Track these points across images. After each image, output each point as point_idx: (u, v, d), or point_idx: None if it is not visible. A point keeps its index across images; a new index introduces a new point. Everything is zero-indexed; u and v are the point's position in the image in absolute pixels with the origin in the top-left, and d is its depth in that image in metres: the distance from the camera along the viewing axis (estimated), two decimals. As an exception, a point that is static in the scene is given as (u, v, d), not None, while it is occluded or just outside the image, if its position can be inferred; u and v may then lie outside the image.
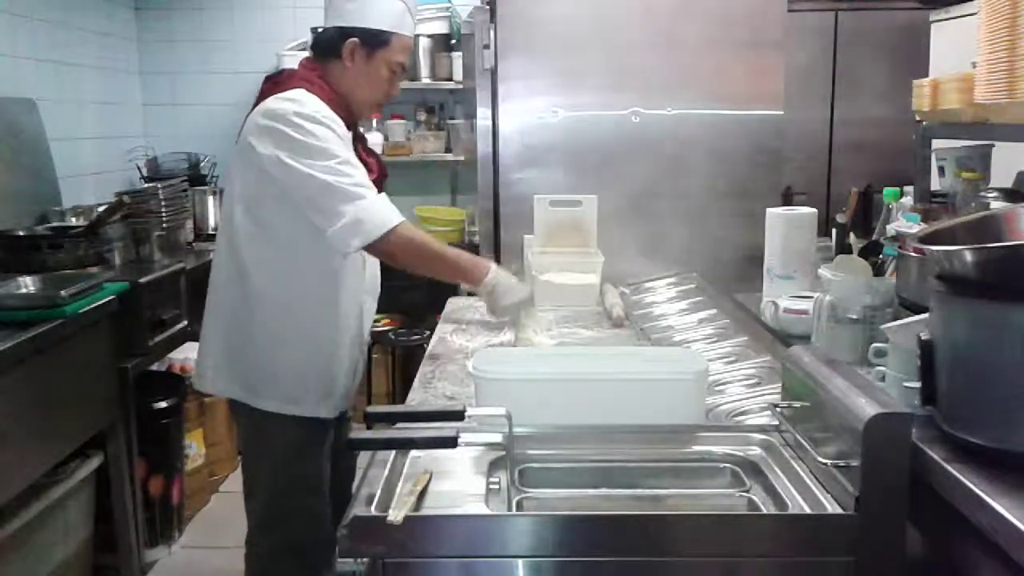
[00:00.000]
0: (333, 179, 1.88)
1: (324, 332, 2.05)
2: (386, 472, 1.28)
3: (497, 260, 2.86)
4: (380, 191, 2.10)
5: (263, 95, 2.00)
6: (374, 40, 2.02)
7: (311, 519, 2.07)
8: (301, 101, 1.93)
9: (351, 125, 2.07)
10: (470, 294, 2.56)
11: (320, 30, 2.10)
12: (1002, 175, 2.31)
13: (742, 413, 1.64)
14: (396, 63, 2.07)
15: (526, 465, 1.39)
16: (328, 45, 2.04)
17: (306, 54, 2.14)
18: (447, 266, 2.10)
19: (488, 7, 2.82)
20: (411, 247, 1.99)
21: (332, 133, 1.93)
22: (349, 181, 1.90)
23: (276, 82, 2.03)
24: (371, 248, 1.95)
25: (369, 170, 2.06)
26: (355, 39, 2.01)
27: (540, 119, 2.82)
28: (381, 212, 1.93)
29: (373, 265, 2.19)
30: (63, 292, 2.36)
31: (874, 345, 1.51)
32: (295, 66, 2.14)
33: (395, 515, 1.14)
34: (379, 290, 2.25)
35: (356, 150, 2.06)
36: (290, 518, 2.06)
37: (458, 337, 2.30)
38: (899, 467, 1.14)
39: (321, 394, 2.05)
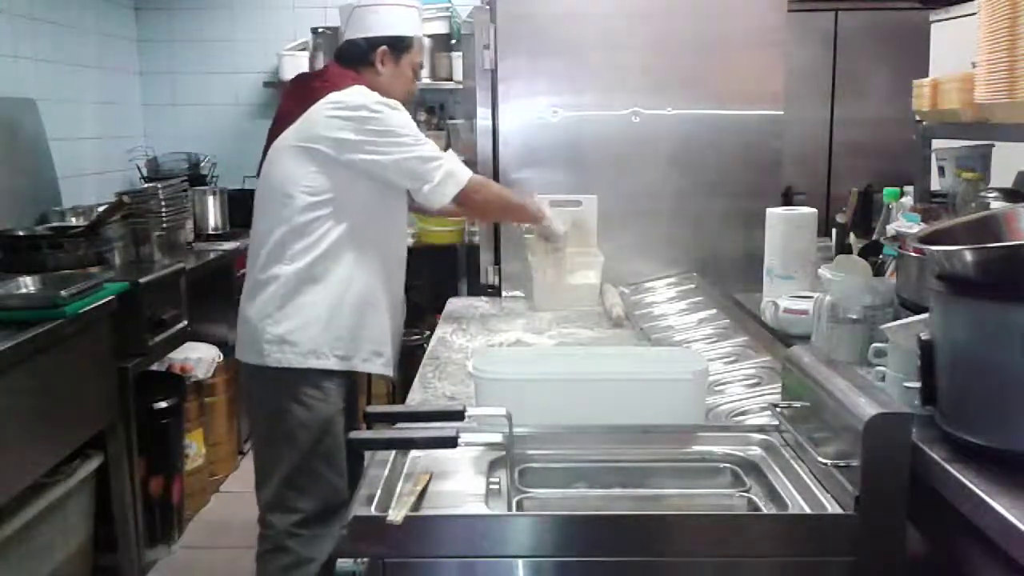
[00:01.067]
0: (421, 150, 2.16)
1: (383, 290, 2.24)
2: (386, 472, 1.28)
3: (497, 260, 2.86)
4: None
5: (312, 92, 2.13)
6: (400, 45, 2.25)
7: (329, 489, 2.17)
8: (367, 93, 2.14)
9: None
10: (471, 294, 2.57)
11: (343, 42, 2.27)
12: (1002, 175, 2.31)
13: (742, 413, 1.64)
14: (417, 63, 2.31)
15: (526, 465, 1.39)
16: (358, 55, 2.23)
17: (306, 55, 2.19)
18: (514, 209, 2.48)
19: (488, 7, 2.82)
20: (488, 190, 2.37)
21: (406, 116, 2.17)
22: (431, 149, 2.19)
23: (327, 79, 2.19)
24: (460, 195, 2.22)
25: None
26: (384, 47, 2.22)
27: (540, 119, 2.81)
28: (460, 166, 2.24)
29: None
30: (63, 292, 2.36)
31: (874, 345, 1.51)
32: (295, 66, 2.21)
33: (395, 515, 1.14)
34: None
35: None
36: (309, 491, 2.16)
37: (458, 337, 2.31)
38: (899, 467, 1.14)
39: (376, 351, 2.23)
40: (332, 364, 2.16)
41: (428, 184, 2.17)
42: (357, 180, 2.15)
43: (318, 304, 2.14)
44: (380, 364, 2.25)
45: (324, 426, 2.16)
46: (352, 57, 2.24)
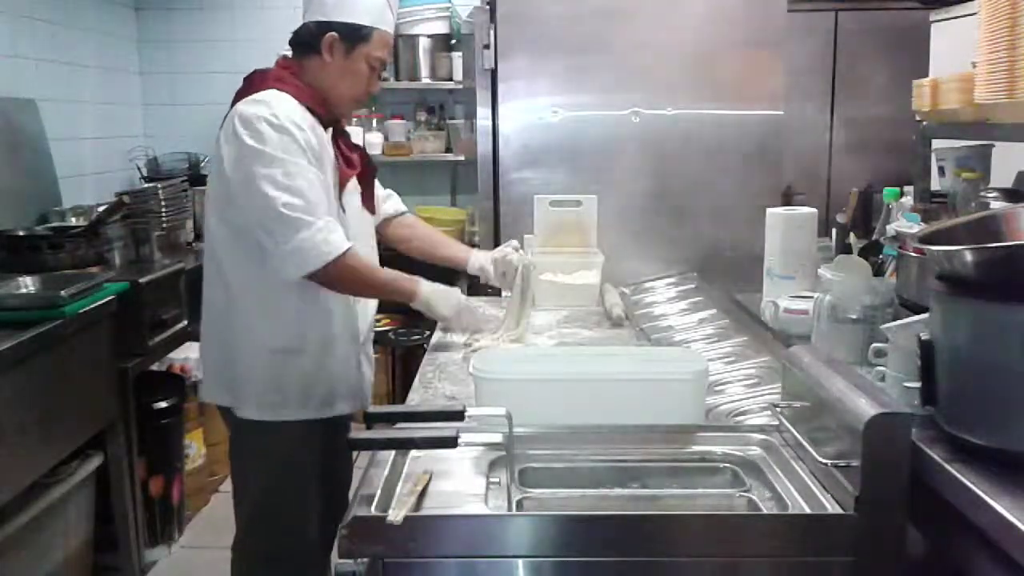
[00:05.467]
0: (283, 198, 1.82)
1: (305, 334, 1.98)
2: (386, 472, 1.28)
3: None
4: (368, 185, 2.13)
5: (238, 96, 1.96)
6: (354, 35, 1.98)
7: (298, 529, 2.04)
8: (269, 103, 1.89)
9: (330, 123, 2.04)
10: (471, 293, 2.56)
11: (300, 26, 2.06)
12: (1002, 175, 2.31)
13: (742, 413, 1.64)
14: (376, 58, 2.02)
15: (526, 465, 1.39)
16: (307, 40, 2.00)
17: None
18: (384, 291, 2.09)
19: (488, 7, 2.82)
20: (350, 278, 1.93)
21: (293, 141, 1.87)
22: (295, 203, 1.83)
23: (250, 82, 1.99)
24: (319, 274, 1.87)
25: (351, 165, 2.06)
26: (334, 33, 1.97)
27: (540, 119, 2.82)
28: (325, 241, 1.85)
29: None
30: (63, 292, 2.36)
31: (874, 345, 1.51)
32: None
33: (395, 515, 1.14)
34: None
35: (337, 145, 2.04)
36: (276, 527, 2.04)
37: (458, 337, 2.30)
38: (899, 467, 1.14)
39: (303, 397, 1.99)
40: (255, 414, 2.00)
41: (272, 250, 1.85)
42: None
43: (237, 342, 2.00)
44: (314, 409, 2.02)
45: (285, 468, 2.04)
46: (301, 43, 2.02)
